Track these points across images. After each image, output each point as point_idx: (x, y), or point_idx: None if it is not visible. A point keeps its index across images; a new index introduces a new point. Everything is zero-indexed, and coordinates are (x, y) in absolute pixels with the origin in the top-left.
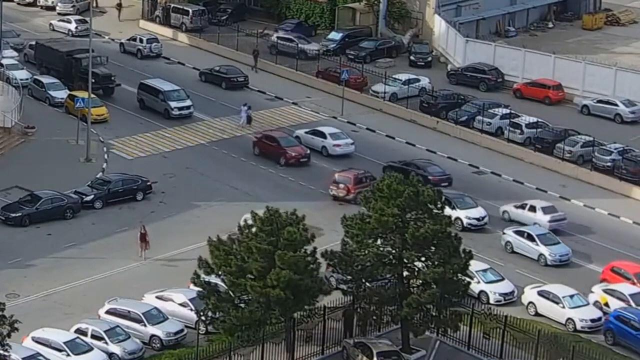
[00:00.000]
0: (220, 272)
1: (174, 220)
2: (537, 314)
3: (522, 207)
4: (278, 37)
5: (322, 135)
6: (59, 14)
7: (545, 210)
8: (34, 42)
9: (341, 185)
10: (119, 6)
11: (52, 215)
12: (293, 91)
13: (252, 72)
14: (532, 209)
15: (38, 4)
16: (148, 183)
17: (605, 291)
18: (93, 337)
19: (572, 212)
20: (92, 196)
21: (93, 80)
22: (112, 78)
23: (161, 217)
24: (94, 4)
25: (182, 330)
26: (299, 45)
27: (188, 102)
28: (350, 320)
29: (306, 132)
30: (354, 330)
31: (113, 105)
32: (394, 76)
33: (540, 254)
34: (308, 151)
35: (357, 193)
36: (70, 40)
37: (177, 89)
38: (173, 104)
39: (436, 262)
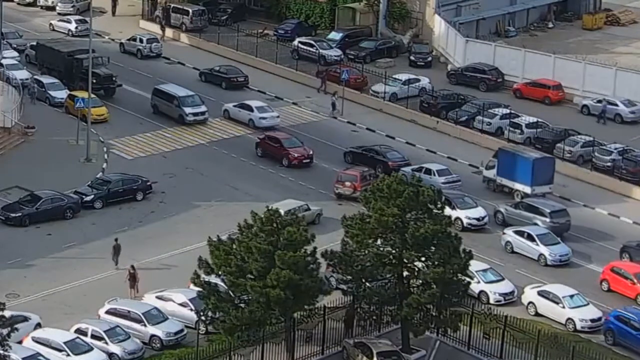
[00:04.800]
0: (220, 272)
1: (174, 220)
2: (537, 314)
3: (419, 170)
4: (300, 42)
5: (249, 108)
6: (59, 14)
7: (440, 172)
8: (34, 43)
9: (347, 183)
10: (162, 29)
11: (52, 215)
12: (293, 91)
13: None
14: (428, 171)
15: (38, 4)
16: (148, 183)
17: None
18: (93, 337)
19: (572, 212)
20: (92, 196)
21: (94, 81)
22: (114, 78)
23: (161, 217)
24: (114, 12)
25: (182, 330)
26: (319, 50)
27: (203, 108)
28: (350, 320)
29: (234, 106)
30: (354, 330)
31: (113, 106)
32: (394, 76)
33: (540, 254)
34: (311, 152)
35: (363, 190)
36: (71, 41)
37: (191, 94)
38: (188, 110)
39: (436, 262)
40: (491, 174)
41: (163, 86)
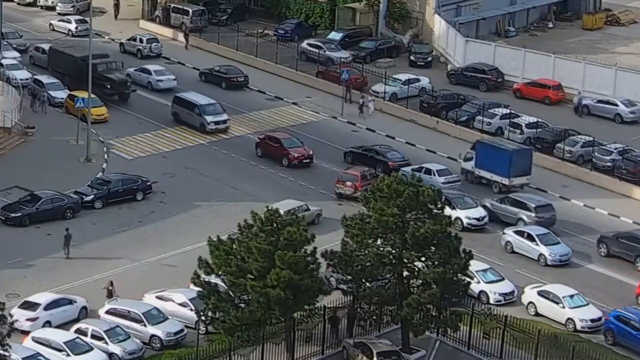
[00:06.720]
0: (220, 272)
1: (174, 220)
2: (537, 314)
3: (419, 170)
4: (308, 44)
5: (148, 72)
6: (59, 14)
7: (440, 172)
8: (39, 45)
9: (348, 183)
10: (186, 37)
11: (52, 215)
12: (293, 91)
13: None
14: (428, 171)
15: (38, 4)
16: (148, 183)
17: None
18: (93, 337)
19: (572, 212)
20: (92, 196)
21: (109, 86)
22: (128, 84)
23: (161, 217)
24: (116, 15)
25: (182, 330)
26: (326, 52)
27: (224, 117)
28: (351, 320)
29: (135, 70)
30: (354, 330)
31: (113, 106)
32: (394, 76)
33: (540, 254)
34: (311, 152)
35: (363, 190)
36: (84, 45)
37: (213, 102)
38: (209, 118)
39: (436, 262)
40: (469, 165)
41: (184, 94)
